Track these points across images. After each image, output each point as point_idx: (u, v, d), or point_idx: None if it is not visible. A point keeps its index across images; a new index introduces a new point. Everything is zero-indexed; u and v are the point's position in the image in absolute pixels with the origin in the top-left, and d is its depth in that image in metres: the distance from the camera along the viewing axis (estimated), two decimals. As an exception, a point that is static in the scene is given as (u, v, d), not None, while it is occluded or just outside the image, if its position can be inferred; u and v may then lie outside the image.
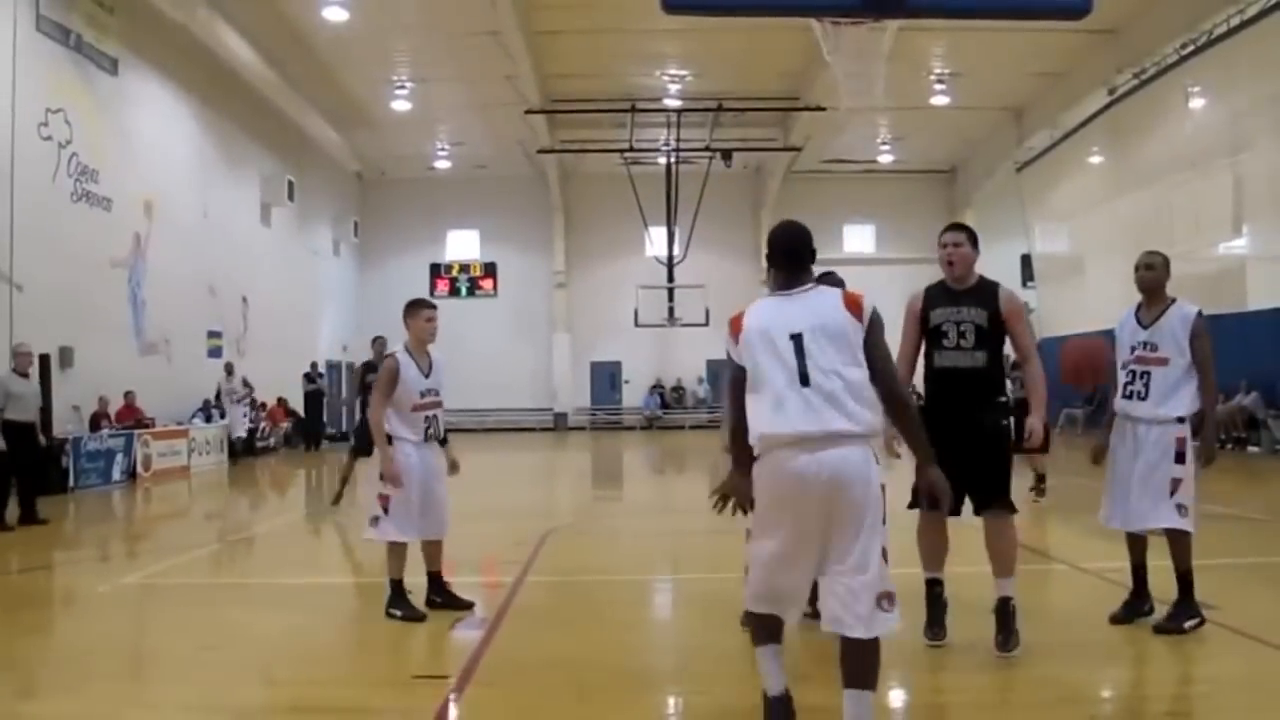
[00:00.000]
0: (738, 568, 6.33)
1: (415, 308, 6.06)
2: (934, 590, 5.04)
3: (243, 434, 19.06)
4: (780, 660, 3.65)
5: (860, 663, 3.40)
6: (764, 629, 3.66)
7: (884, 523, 3.43)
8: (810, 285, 3.68)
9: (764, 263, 3.97)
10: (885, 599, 3.37)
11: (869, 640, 3.36)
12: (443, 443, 6.07)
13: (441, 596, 6.01)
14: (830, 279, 5.49)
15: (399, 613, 5.78)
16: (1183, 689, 4.42)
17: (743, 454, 3.63)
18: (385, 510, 5.78)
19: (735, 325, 3.65)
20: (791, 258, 3.72)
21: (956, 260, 4.96)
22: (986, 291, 4.94)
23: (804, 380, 3.43)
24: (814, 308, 3.57)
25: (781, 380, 3.45)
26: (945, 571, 5.07)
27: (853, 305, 3.57)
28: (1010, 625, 4.82)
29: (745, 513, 3.74)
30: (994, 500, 4.87)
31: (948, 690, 4.50)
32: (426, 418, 5.93)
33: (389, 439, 5.80)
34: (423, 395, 5.91)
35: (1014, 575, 4.88)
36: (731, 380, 3.68)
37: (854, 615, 3.35)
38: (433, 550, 6.05)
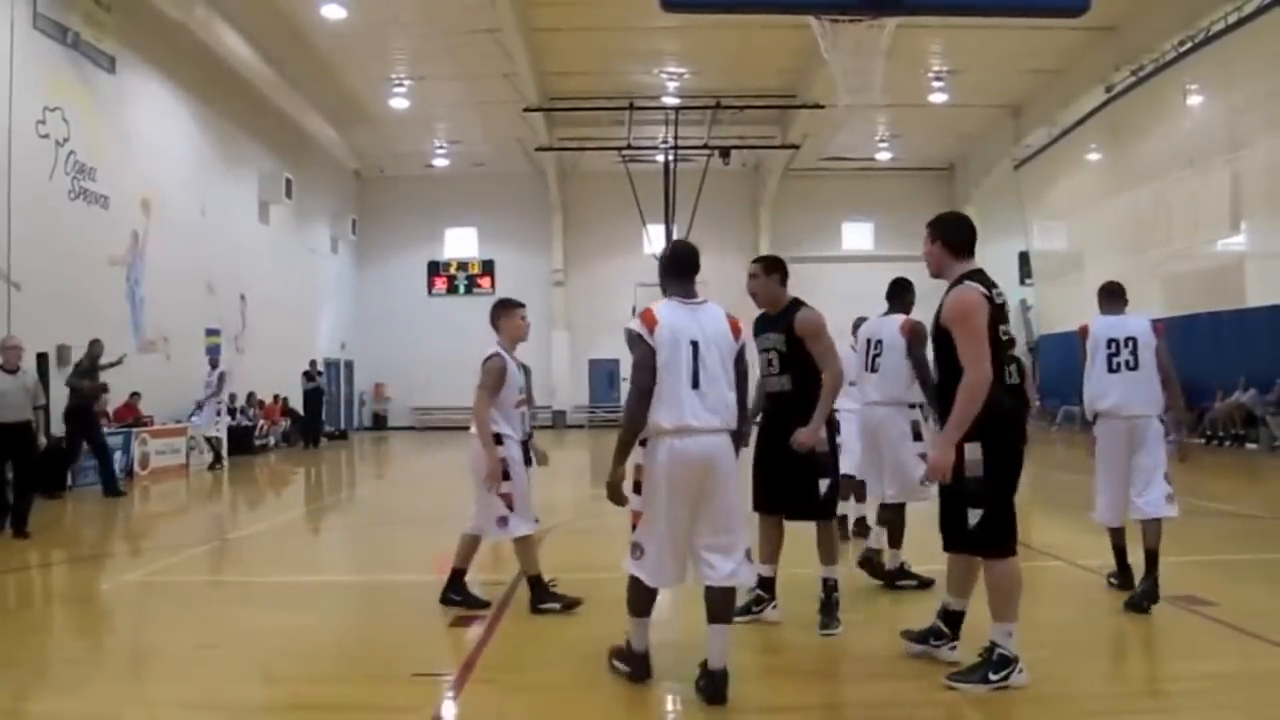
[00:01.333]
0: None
1: (509, 307, 6.14)
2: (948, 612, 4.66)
3: (214, 433, 18.04)
4: (650, 627, 4.47)
5: (725, 605, 4.33)
6: (643, 604, 4.42)
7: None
8: (704, 299, 4.44)
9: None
10: (749, 552, 4.40)
11: (731, 588, 4.32)
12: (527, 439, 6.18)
13: (461, 595, 6.05)
14: (903, 285, 6.55)
15: (458, 598, 5.96)
16: (1181, 685, 4.44)
17: (637, 427, 4.27)
18: (511, 508, 5.82)
19: (650, 317, 4.31)
20: (688, 272, 4.48)
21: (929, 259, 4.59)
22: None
23: (694, 382, 4.23)
24: (709, 322, 4.35)
25: (680, 378, 4.22)
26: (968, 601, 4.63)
27: (735, 328, 4.43)
28: (978, 667, 4.37)
29: (621, 504, 4.35)
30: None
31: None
32: (523, 415, 6.07)
33: (499, 438, 5.82)
34: (521, 392, 6.06)
35: (1006, 622, 4.33)
36: (643, 358, 4.28)
37: (731, 569, 4.27)
38: (472, 548, 6.10)
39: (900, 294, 6.65)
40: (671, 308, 4.34)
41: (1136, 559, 5.79)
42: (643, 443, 4.29)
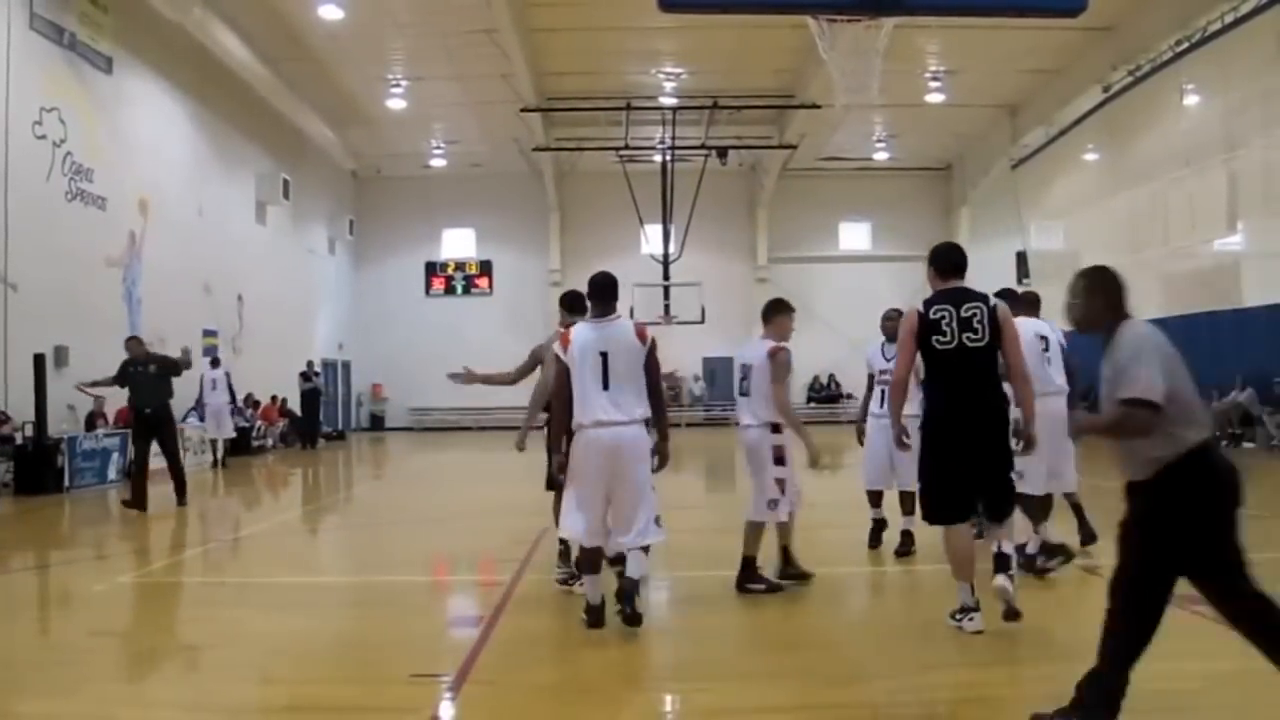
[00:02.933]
0: (734, 566, 6.35)
1: (788, 308, 6.59)
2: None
3: (230, 435, 18.50)
4: (600, 583, 5.43)
5: (637, 558, 5.37)
6: (590, 564, 5.45)
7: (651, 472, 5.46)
8: (616, 316, 5.52)
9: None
10: (657, 519, 5.44)
11: (644, 546, 5.40)
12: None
13: (759, 581, 6.26)
14: (1012, 295, 6.93)
15: (761, 587, 6.20)
16: (1177, 684, 4.43)
17: (562, 427, 5.47)
18: (783, 492, 6.17)
19: (566, 339, 5.49)
20: (605, 296, 5.55)
21: None
22: None
23: (605, 385, 5.30)
24: (616, 335, 5.41)
25: (591, 383, 5.31)
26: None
27: (640, 334, 5.45)
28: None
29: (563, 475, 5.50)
30: None
31: (944, 687, 4.51)
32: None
33: (778, 427, 6.19)
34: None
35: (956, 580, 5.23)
36: (559, 373, 5.49)
37: (636, 533, 5.33)
38: (758, 534, 6.32)
39: (1013, 302, 7.09)
40: (585, 328, 5.49)
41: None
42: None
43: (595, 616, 5.37)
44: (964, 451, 5.09)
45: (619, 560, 5.54)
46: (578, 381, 5.35)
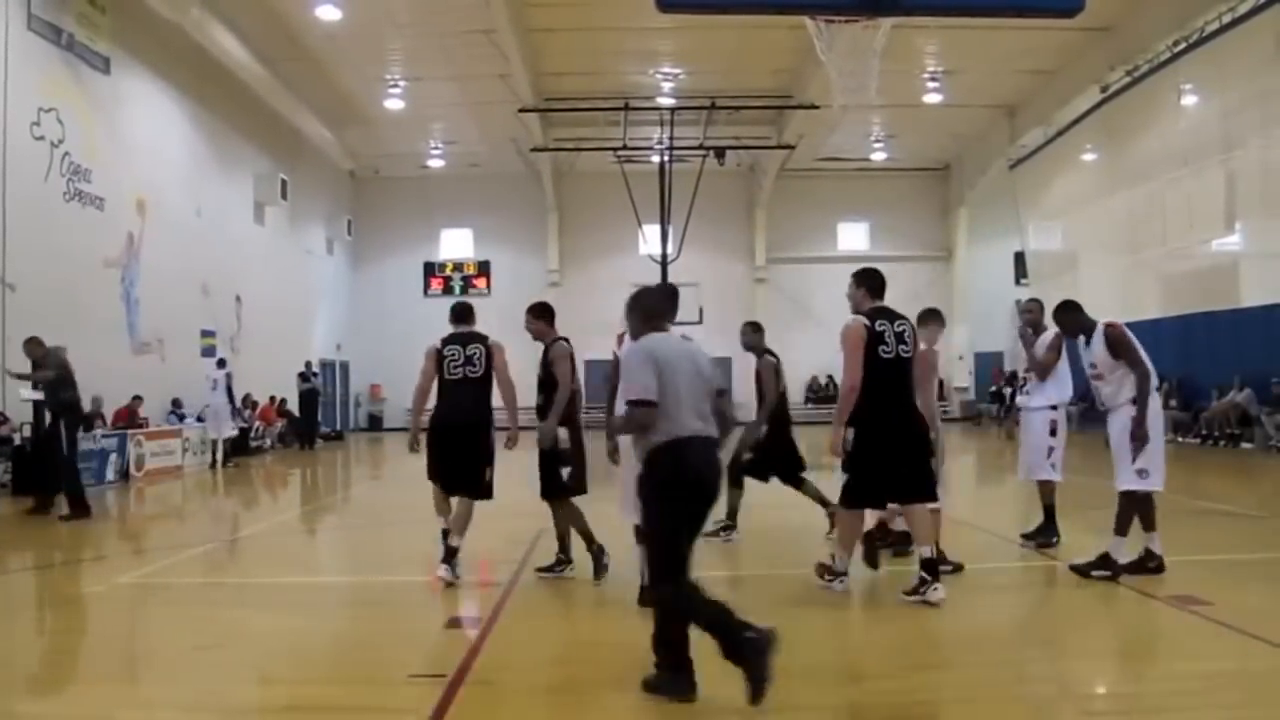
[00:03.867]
0: (732, 566, 6.36)
1: (940, 318, 7.32)
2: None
3: (230, 434, 18.73)
4: None
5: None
6: None
7: None
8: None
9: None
10: None
11: None
12: None
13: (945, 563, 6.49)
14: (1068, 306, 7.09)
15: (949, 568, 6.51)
16: (1177, 684, 4.43)
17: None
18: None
19: (620, 339, 6.05)
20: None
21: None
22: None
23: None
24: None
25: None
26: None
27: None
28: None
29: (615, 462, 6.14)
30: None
31: (944, 686, 4.51)
32: None
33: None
34: None
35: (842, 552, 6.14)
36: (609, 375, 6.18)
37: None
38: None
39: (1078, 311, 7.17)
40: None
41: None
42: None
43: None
44: (893, 449, 5.82)
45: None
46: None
